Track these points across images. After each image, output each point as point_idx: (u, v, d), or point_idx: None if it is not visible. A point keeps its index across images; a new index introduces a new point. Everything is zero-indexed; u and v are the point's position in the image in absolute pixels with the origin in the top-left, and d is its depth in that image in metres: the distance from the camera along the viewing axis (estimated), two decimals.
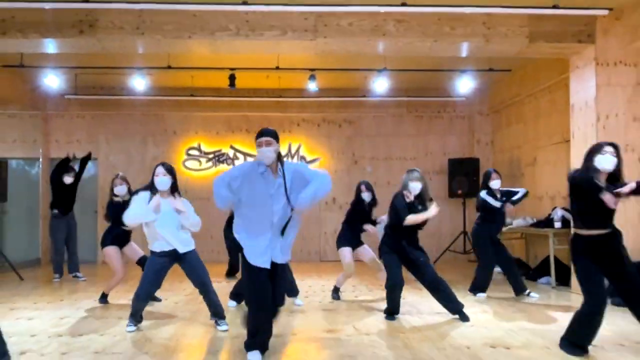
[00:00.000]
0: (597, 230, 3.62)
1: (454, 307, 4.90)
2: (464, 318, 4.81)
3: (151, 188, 4.44)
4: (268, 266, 3.53)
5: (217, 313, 4.54)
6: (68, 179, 7.61)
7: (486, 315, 5.09)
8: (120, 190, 5.57)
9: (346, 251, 5.82)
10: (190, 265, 4.48)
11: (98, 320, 4.90)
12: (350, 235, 5.89)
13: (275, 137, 3.58)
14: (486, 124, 10.04)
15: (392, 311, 4.96)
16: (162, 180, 4.41)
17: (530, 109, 8.47)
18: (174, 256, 4.45)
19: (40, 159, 9.77)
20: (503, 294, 6.24)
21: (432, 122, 10.18)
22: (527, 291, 6.13)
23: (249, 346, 3.63)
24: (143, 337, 4.24)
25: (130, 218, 4.36)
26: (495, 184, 6.17)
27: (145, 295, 4.45)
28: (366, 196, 5.89)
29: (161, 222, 4.34)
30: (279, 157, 3.58)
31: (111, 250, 5.54)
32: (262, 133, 3.57)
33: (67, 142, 9.93)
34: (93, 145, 9.90)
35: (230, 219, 6.56)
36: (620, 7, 5.87)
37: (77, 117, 9.90)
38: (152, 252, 4.46)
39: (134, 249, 5.78)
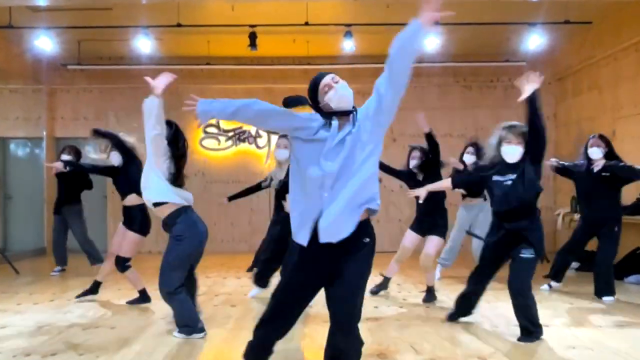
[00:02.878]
0: None
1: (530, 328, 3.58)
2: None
3: None
4: None
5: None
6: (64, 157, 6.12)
7: (583, 329, 3.87)
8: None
9: (407, 234, 4.97)
10: None
11: (84, 331, 3.88)
12: (417, 219, 4.89)
13: None
14: (547, 95, 8.61)
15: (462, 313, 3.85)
16: None
17: (608, 72, 7.07)
18: None
19: (44, 138, 8.87)
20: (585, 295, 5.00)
21: (483, 93, 8.86)
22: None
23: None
24: None
25: None
26: (593, 152, 4.91)
27: None
28: (413, 163, 4.85)
29: None
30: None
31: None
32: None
33: (73, 119, 9.00)
34: (101, 122, 8.87)
35: None
36: None
37: (84, 91, 8.94)
38: None
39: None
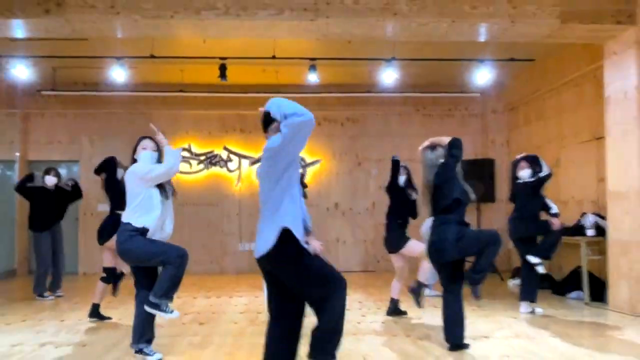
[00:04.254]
0: None
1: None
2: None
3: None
4: None
5: (149, 337, 3.77)
6: (51, 180, 6.50)
7: (518, 339, 4.29)
8: None
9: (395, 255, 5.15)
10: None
11: (57, 349, 4.09)
12: (396, 235, 5.11)
13: None
14: (501, 123, 9.28)
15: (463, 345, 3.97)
16: (152, 156, 3.78)
17: (553, 104, 7.70)
18: None
19: (17, 161, 8.99)
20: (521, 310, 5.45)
21: (443, 121, 9.41)
22: (537, 308, 5.44)
23: None
24: None
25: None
26: (524, 174, 5.48)
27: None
28: (402, 180, 5.22)
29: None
30: None
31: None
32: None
33: (47, 142, 9.16)
34: (75, 146, 9.16)
35: None
36: None
37: (58, 115, 9.13)
38: (137, 230, 3.62)
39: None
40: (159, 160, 3.83)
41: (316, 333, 2.74)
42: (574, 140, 7.15)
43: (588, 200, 6.82)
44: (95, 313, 5.08)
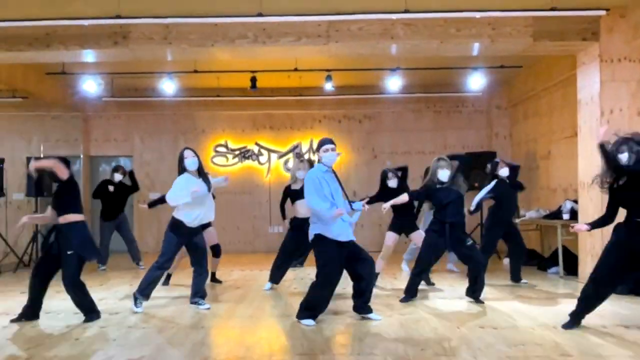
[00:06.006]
0: None
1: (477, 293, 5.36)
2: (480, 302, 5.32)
3: (183, 171, 5.09)
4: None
5: (202, 295, 5.19)
6: (117, 177, 8.05)
7: (487, 301, 5.42)
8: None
9: (389, 235, 6.40)
10: (198, 244, 5.16)
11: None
12: (395, 223, 6.39)
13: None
14: (504, 118, 10.22)
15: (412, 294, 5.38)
16: (193, 161, 5.06)
17: (545, 103, 8.63)
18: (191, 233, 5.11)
19: (81, 157, 10.56)
20: (509, 281, 6.55)
21: (451, 116, 10.42)
22: (522, 281, 6.52)
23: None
24: (169, 317, 4.80)
25: (171, 199, 5.01)
26: (503, 172, 6.52)
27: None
28: (392, 183, 6.30)
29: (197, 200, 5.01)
30: None
31: None
32: (329, 141, 4.52)
33: (104, 140, 10.69)
34: (128, 143, 10.65)
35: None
36: (624, 4, 6.02)
37: (114, 117, 10.63)
38: (180, 224, 5.01)
39: (212, 234, 6.33)
40: (200, 165, 5.14)
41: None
42: (561, 135, 8.09)
43: (571, 188, 7.77)
44: (213, 279, 6.59)
